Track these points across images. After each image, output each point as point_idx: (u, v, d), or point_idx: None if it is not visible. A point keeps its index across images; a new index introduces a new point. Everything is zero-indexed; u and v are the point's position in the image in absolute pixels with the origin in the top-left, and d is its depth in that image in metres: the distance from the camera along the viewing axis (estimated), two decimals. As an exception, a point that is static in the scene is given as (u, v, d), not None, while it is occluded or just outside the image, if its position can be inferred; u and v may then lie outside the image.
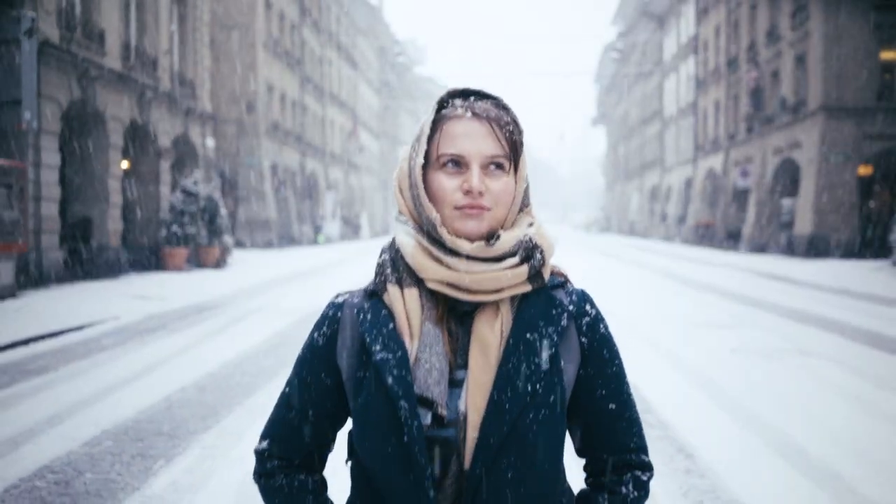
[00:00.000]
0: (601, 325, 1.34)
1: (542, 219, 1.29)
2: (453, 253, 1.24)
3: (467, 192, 1.24)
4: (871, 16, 27.48)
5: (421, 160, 1.27)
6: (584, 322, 1.33)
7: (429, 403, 1.22)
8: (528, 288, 1.28)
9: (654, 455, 5.04)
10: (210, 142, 25.94)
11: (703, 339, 10.03)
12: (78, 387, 7.30)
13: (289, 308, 13.23)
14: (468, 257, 1.24)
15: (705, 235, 40.38)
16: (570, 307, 1.32)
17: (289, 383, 1.38)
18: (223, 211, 22.33)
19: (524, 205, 1.34)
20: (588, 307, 1.34)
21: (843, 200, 27.63)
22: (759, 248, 32.32)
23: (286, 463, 1.37)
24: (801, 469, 4.91)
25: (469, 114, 1.26)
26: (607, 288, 16.82)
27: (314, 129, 45.66)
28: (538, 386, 1.24)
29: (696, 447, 5.37)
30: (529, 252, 1.28)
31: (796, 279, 19.16)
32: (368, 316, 1.28)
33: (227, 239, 22.81)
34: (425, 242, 1.26)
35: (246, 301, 14.35)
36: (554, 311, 1.29)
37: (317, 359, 1.34)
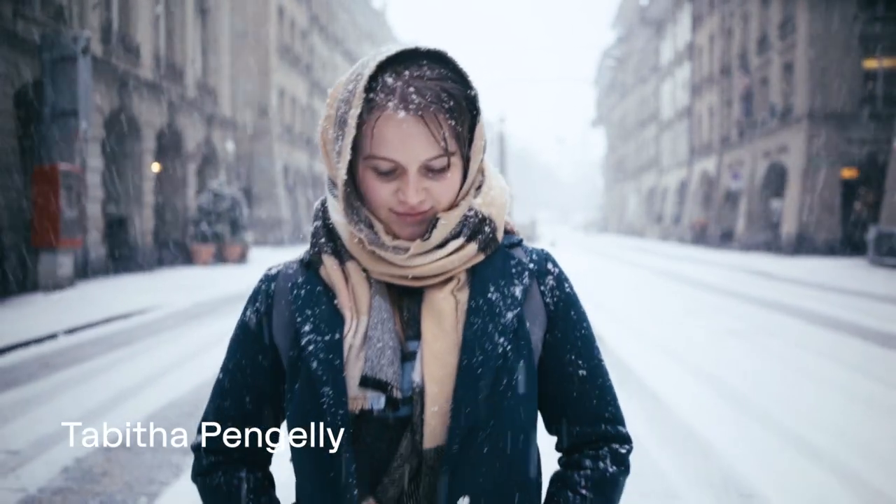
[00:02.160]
0: (566, 285, 1.23)
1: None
2: (393, 249, 1.13)
3: (403, 203, 1.11)
4: (854, 27, 29.08)
5: (344, 168, 1.11)
6: (547, 281, 1.21)
7: (382, 386, 1.10)
8: (481, 258, 1.17)
9: (632, 401, 6.57)
10: (230, 145, 27.53)
11: (684, 325, 11.60)
12: (163, 354, 8.86)
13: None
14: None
15: (700, 235, 41.99)
16: (531, 265, 1.21)
17: (223, 368, 1.24)
18: (245, 211, 23.93)
19: (479, 170, 1.19)
20: (550, 265, 1.23)
21: (827, 202, 29.22)
22: (750, 246, 33.89)
23: (224, 458, 1.23)
24: (744, 411, 6.50)
25: (402, 112, 1.07)
26: (604, 286, 18.37)
27: (322, 131, 47.18)
28: (508, 348, 1.13)
29: (664, 395, 6.93)
30: (475, 227, 1.16)
31: (778, 275, 20.75)
32: (302, 292, 1.17)
33: (248, 237, 24.40)
34: (361, 235, 1.14)
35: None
36: (514, 270, 1.18)
37: (250, 338, 1.21)
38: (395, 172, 1.11)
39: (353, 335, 1.12)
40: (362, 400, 1.10)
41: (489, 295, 1.15)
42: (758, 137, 34.54)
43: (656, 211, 56.18)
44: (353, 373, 1.11)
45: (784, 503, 4.36)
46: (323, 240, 1.19)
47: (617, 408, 1.24)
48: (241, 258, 24.18)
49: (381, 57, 1.10)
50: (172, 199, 22.95)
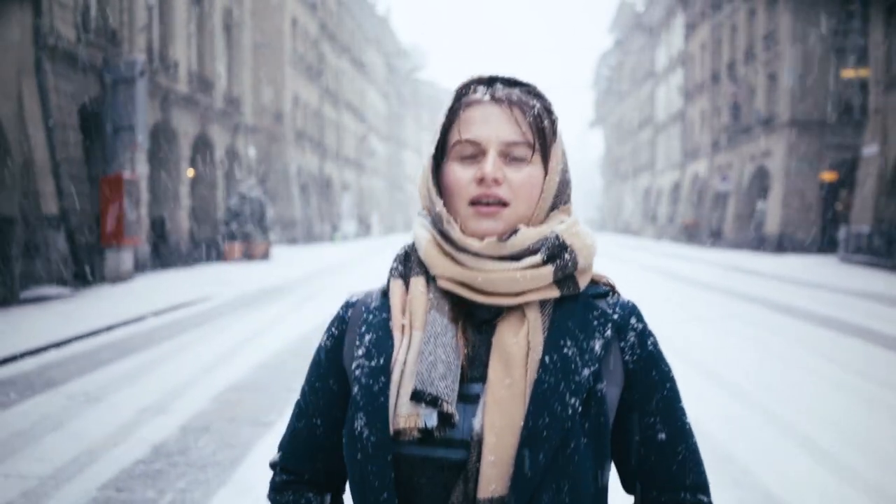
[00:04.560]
0: (649, 342, 1.17)
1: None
2: (463, 249, 1.12)
3: (481, 181, 1.10)
4: (833, 40, 31.27)
5: (432, 149, 1.16)
6: (628, 337, 1.16)
7: (433, 401, 1.06)
8: (556, 293, 1.13)
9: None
10: (252, 151, 29.71)
11: (663, 311, 13.76)
12: (229, 335, 10.95)
13: (349, 287, 16.88)
14: (478, 255, 1.11)
15: (691, 234, 44.17)
16: (615, 317, 1.16)
17: (301, 390, 1.25)
18: (269, 212, 26.12)
19: (560, 202, 1.19)
20: (634, 320, 1.17)
21: (807, 203, 31.41)
22: (737, 245, 36.04)
23: (296, 478, 1.24)
24: (704, 375, 8.65)
25: (488, 97, 1.14)
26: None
27: (331, 134, 49.45)
28: (579, 409, 1.08)
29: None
30: (555, 251, 1.12)
31: (754, 270, 22.92)
32: (370, 317, 1.18)
33: (272, 236, 26.59)
34: (438, 237, 1.14)
35: (309, 284, 18.04)
36: (595, 322, 1.14)
37: (325, 362, 1.22)
38: (476, 157, 1.12)
39: (405, 352, 1.10)
40: (415, 417, 1.07)
41: (565, 350, 1.10)
42: (745, 142, 36.71)
43: (651, 211, 58.33)
44: (407, 389, 1.08)
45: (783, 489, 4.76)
46: (395, 264, 1.19)
47: (700, 474, 1.18)
48: (265, 255, 26.37)
49: (477, 75, 1.18)
50: (204, 202, 25.12)
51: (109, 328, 10.83)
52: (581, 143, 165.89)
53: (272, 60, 36.93)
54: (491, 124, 1.12)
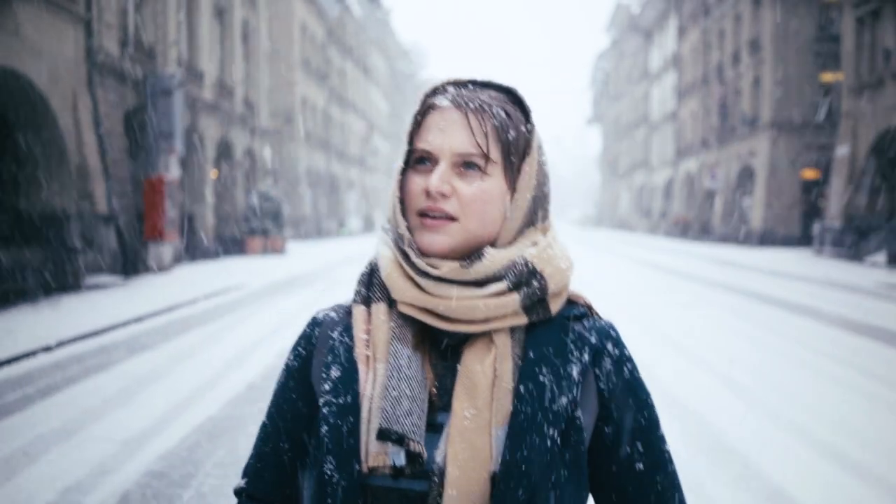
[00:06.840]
0: (625, 368, 1.11)
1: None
2: (424, 273, 1.05)
3: (429, 194, 1.05)
4: (813, 45, 33.29)
5: (401, 162, 1.10)
6: (603, 363, 1.09)
7: (399, 439, 1.01)
8: (523, 320, 1.07)
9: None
10: (267, 152, 31.72)
11: (644, 298, 15.75)
12: (271, 313, 12.93)
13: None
14: (440, 279, 1.05)
15: (682, 229, 46.18)
16: (592, 340, 1.09)
17: (267, 413, 1.20)
18: (285, 209, 28.15)
19: (536, 220, 1.11)
20: (611, 345, 1.10)
21: (788, 200, 33.44)
22: (725, 239, 38.06)
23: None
24: (676, 349, 10.64)
25: (446, 103, 1.07)
26: (594, 273, 22.55)
27: (336, 134, 51.47)
28: (558, 439, 1.03)
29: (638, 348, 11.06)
30: (522, 278, 1.05)
31: (734, 262, 24.94)
32: (336, 344, 1.12)
33: (288, 231, 28.62)
34: (400, 258, 1.08)
35: (328, 273, 20.02)
36: (573, 346, 1.08)
37: (291, 382, 1.16)
38: (429, 164, 1.06)
39: (371, 387, 1.05)
40: (383, 456, 1.02)
41: (541, 378, 1.04)
42: (731, 142, 38.74)
43: (645, 207, 60.35)
44: (374, 426, 1.03)
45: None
46: (358, 287, 1.14)
47: (680, 503, 1.12)
48: (282, 250, 28.44)
49: (453, 77, 1.11)
50: (225, 200, 27.12)
51: (171, 308, 12.82)
52: (580, 138, 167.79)
53: (283, 65, 38.92)
54: (446, 132, 1.05)
